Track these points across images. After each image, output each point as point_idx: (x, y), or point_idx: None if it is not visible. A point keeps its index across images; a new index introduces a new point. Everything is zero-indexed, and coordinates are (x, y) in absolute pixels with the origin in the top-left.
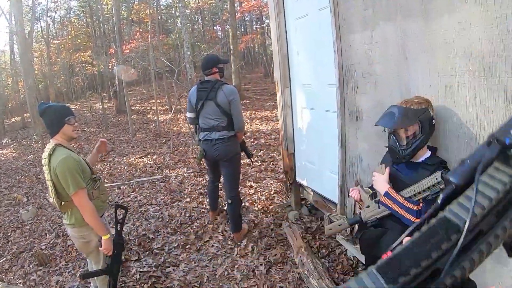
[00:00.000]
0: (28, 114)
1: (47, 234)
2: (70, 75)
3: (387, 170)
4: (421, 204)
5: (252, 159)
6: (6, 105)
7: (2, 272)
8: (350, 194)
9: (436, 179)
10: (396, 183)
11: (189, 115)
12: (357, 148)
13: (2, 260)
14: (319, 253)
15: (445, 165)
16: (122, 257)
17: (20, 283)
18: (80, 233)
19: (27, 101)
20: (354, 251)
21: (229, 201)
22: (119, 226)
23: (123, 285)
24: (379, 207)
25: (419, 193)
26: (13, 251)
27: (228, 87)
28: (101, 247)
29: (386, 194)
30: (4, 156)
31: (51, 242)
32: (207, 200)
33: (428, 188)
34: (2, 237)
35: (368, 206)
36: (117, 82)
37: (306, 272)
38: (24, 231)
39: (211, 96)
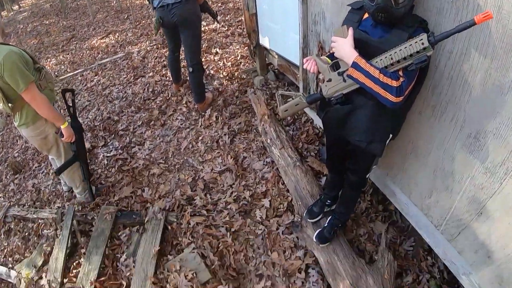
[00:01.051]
0: None
1: (18, 140)
2: None
3: (350, 31)
4: (401, 79)
5: (217, 19)
6: None
7: None
8: (304, 66)
9: (422, 43)
10: (364, 49)
11: None
12: (320, 3)
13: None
14: (284, 121)
15: (425, 26)
16: (89, 145)
17: (0, 196)
18: (35, 130)
19: None
20: (319, 120)
21: (191, 69)
22: (71, 110)
23: (91, 173)
24: (344, 81)
25: (398, 62)
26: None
27: None
28: (62, 137)
29: (355, 65)
30: None
31: (22, 147)
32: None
33: (411, 55)
34: None
35: (330, 80)
36: None
37: (268, 141)
38: None
39: None
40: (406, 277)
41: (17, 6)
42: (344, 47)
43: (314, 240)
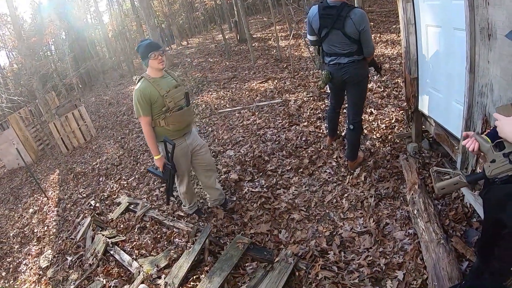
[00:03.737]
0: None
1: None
2: (190, 11)
3: None
4: None
5: (381, 72)
6: (134, 46)
7: (131, 189)
8: (463, 143)
9: None
10: None
11: (310, 37)
12: (488, 75)
13: (131, 179)
14: (433, 194)
15: None
16: (237, 177)
17: (144, 197)
18: None
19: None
20: (471, 198)
21: (351, 126)
22: (169, 155)
23: (232, 203)
24: (510, 162)
25: None
26: (141, 171)
27: (357, 13)
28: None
29: None
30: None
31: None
32: (325, 125)
33: None
34: (133, 160)
35: (494, 161)
36: (236, 13)
37: (415, 212)
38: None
39: (338, 26)
40: None
41: (185, 42)
42: (509, 126)
43: None
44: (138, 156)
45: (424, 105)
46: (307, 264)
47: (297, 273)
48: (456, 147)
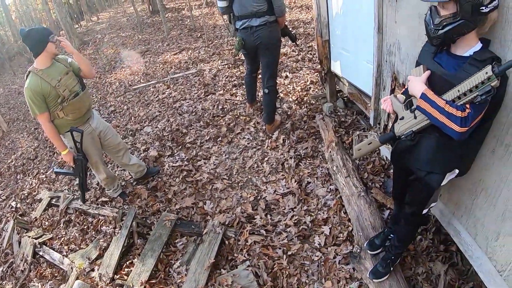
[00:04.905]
0: (63, 31)
1: None
2: None
3: (427, 73)
4: (467, 110)
5: (297, 42)
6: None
7: (51, 182)
8: (382, 107)
9: (486, 73)
10: (437, 81)
11: (221, 3)
12: (395, 34)
13: (50, 171)
14: (351, 150)
15: (497, 62)
16: (156, 153)
17: (65, 189)
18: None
19: (59, 19)
20: (387, 151)
21: (266, 91)
22: (78, 144)
23: (156, 181)
24: (415, 117)
25: (465, 94)
26: (58, 161)
27: None
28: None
29: (423, 96)
30: None
31: None
32: (241, 92)
33: (476, 86)
34: (49, 150)
35: (403, 118)
36: None
37: (334, 168)
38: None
39: None
40: None
41: (95, 18)
42: (416, 83)
43: (368, 276)
44: (54, 146)
45: (336, 66)
46: (236, 232)
47: (227, 242)
48: (369, 104)
